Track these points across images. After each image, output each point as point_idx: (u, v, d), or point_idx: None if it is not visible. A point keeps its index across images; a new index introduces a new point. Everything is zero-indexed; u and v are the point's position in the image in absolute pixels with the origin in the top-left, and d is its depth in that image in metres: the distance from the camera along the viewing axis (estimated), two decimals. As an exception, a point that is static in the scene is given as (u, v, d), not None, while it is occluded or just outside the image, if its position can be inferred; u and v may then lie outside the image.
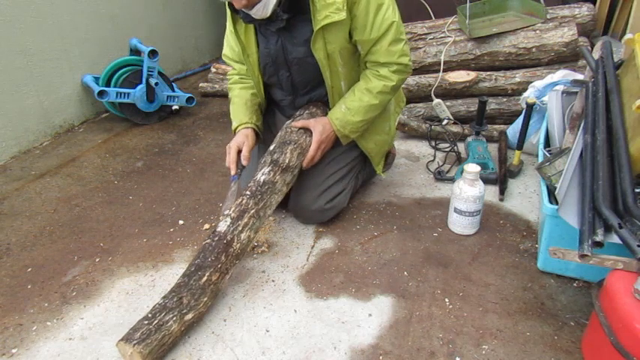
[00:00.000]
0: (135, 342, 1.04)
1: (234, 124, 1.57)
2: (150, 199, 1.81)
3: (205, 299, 1.17)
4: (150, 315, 1.11)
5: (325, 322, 1.22)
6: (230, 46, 1.63)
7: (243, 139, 1.51)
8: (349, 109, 1.47)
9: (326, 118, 1.51)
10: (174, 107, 2.58)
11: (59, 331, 1.22)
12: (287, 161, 1.43)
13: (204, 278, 1.18)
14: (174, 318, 1.10)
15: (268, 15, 1.33)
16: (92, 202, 1.80)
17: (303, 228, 1.60)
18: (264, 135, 1.63)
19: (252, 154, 1.69)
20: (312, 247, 1.51)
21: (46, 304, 1.31)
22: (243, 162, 1.49)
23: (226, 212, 1.32)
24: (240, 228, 1.27)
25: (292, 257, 1.46)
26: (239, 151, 1.50)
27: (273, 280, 1.37)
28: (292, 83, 1.54)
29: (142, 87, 2.39)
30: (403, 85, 2.15)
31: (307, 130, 1.50)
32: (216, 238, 1.24)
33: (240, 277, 1.38)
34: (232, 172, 1.48)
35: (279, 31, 1.42)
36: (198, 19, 3.39)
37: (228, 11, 1.44)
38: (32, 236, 1.61)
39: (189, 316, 1.13)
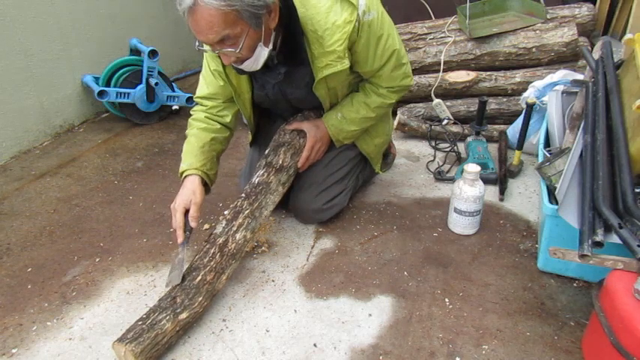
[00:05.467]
0: (127, 341, 1.04)
1: (182, 166, 1.41)
2: (150, 199, 1.81)
3: (200, 299, 1.17)
4: (144, 316, 1.12)
5: (325, 322, 1.22)
6: (211, 84, 1.46)
7: (189, 196, 1.34)
8: (345, 118, 1.47)
9: (320, 120, 1.51)
10: (174, 107, 2.58)
11: (59, 331, 1.22)
12: (280, 162, 1.43)
13: (199, 278, 1.18)
14: (168, 317, 1.10)
15: (259, 68, 1.26)
16: (92, 202, 1.80)
17: (303, 228, 1.60)
18: (263, 141, 1.61)
19: (251, 159, 1.68)
20: (312, 247, 1.51)
21: (46, 304, 1.31)
22: (192, 223, 1.32)
23: (172, 285, 1.18)
24: (234, 228, 1.28)
25: (292, 257, 1.46)
26: (187, 212, 1.33)
27: (273, 280, 1.37)
28: (292, 110, 1.54)
29: (142, 87, 2.38)
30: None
31: (301, 132, 1.50)
32: (212, 239, 1.27)
33: (240, 277, 1.38)
34: (179, 240, 1.28)
35: (277, 82, 1.39)
36: (198, 19, 3.39)
37: (210, 54, 1.36)
38: (32, 236, 1.61)
39: (183, 315, 1.12)
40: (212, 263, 1.21)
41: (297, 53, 1.29)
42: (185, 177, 1.41)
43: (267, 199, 1.37)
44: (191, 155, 1.42)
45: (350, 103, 1.47)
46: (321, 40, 1.25)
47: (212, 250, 1.24)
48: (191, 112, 1.52)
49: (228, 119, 1.51)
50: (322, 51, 1.26)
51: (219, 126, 1.49)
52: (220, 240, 1.26)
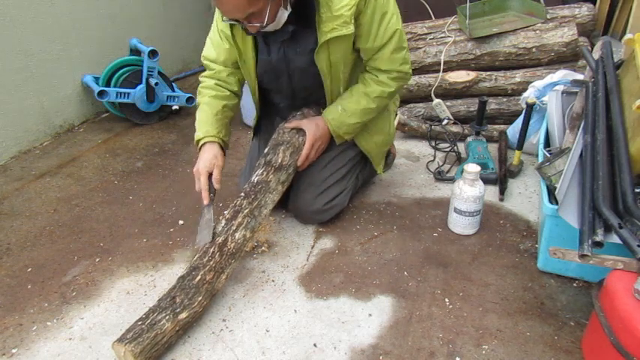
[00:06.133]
0: (126, 341, 1.04)
1: (198, 134, 1.47)
2: (150, 199, 1.81)
3: (200, 298, 1.16)
4: (144, 315, 1.12)
5: (325, 322, 1.22)
6: (217, 46, 1.51)
7: (212, 160, 1.41)
8: (345, 110, 1.47)
9: (320, 117, 1.51)
10: (174, 107, 2.58)
11: (59, 331, 1.22)
12: (280, 160, 1.43)
13: (198, 277, 1.18)
14: (167, 317, 1.10)
15: (279, 27, 1.32)
16: (92, 202, 1.80)
17: (303, 228, 1.60)
18: (264, 139, 1.61)
19: (250, 158, 1.68)
20: (312, 247, 1.51)
21: (46, 304, 1.31)
22: (216, 185, 1.39)
23: (202, 243, 1.25)
24: (234, 228, 1.28)
25: (292, 257, 1.46)
26: (209, 175, 1.40)
27: (273, 280, 1.37)
28: (292, 89, 1.54)
29: (142, 87, 2.38)
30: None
31: (300, 130, 1.50)
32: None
33: (240, 277, 1.38)
34: (205, 201, 1.36)
35: (283, 41, 1.41)
36: (198, 19, 3.38)
37: (219, 15, 1.41)
38: (32, 236, 1.61)
39: (183, 315, 1.12)
40: (211, 262, 1.21)
41: (307, 14, 1.32)
42: (203, 144, 1.46)
43: (267, 198, 1.37)
44: (206, 123, 1.48)
45: (350, 95, 1.48)
46: (330, 3, 1.29)
47: (211, 250, 1.24)
48: (200, 79, 1.57)
49: (235, 87, 1.57)
50: (330, 15, 1.30)
51: (228, 92, 1.54)
52: (220, 239, 1.26)
